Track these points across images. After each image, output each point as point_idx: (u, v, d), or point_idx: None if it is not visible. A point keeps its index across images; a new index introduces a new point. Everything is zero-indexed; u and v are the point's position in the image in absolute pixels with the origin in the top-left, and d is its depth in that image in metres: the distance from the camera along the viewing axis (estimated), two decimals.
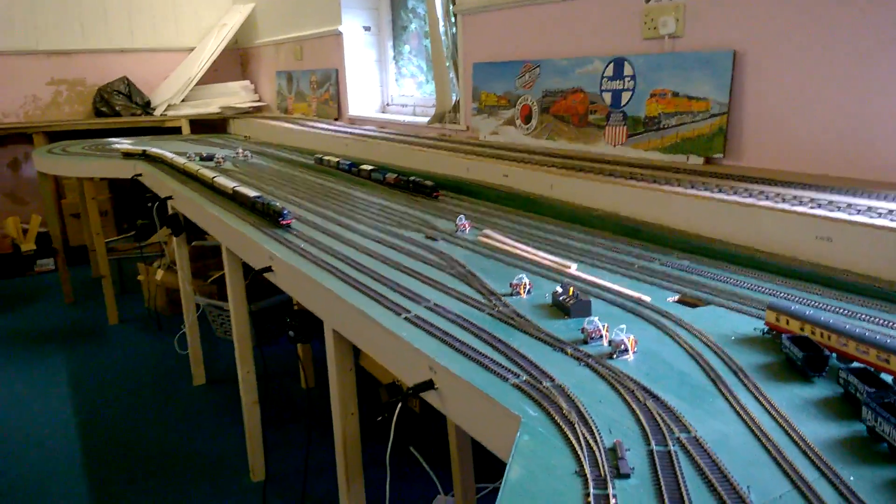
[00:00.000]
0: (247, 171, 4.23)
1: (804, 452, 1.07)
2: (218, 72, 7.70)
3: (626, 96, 3.13)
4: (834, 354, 1.34)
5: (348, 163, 4.03)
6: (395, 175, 3.52)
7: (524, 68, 3.76)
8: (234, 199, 3.20)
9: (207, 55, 7.40)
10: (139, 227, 7.35)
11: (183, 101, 7.33)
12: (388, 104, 5.83)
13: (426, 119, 4.87)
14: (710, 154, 2.77)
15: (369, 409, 2.26)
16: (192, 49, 7.79)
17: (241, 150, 4.96)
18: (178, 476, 3.60)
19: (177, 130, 7.15)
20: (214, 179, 3.50)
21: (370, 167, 3.75)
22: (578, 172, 2.79)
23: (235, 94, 7.64)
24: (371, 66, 5.83)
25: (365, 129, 5.08)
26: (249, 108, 7.49)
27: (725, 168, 2.71)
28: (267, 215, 2.81)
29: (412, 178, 3.36)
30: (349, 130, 5.02)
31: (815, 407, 1.21)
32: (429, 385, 1.51)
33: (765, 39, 2.59)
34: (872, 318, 1.54)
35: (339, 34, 5.75)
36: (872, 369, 1.24)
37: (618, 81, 3.17)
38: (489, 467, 3.13)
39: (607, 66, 3.22)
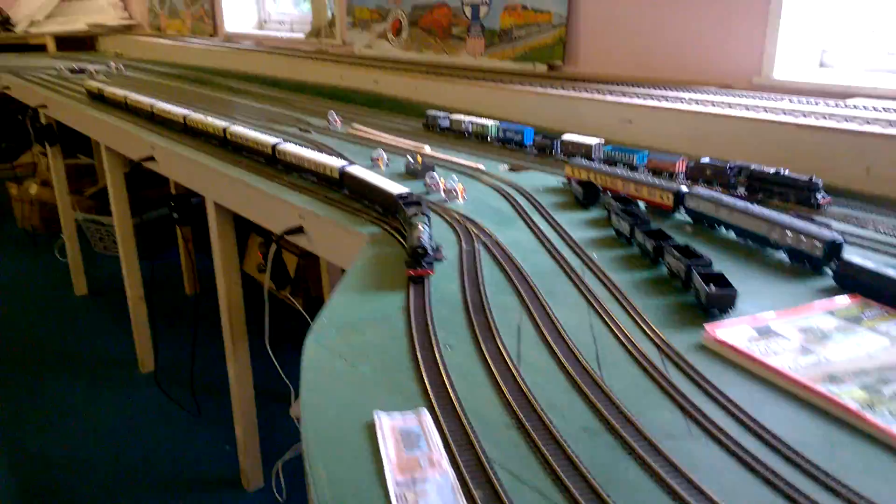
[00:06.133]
0: (124, 83, 4.25)
1: (570, 246, 1.48)
2: None
3: (483, 10, 3.46)
4: (609, 192, 1.76)
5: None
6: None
7: None
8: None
9: None
10: (4, 148, 7.07)
11: (47, 17, 6.98)
12: (265, 21, 5.87)
13: (303, 35, 5.00)
14: (552, 61, 3.16)
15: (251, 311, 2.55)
16: None
17: (113, 64, 4.93)
18: (67, 374, 3.75)
19: (41, 48, 6.84)
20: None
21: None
22: (439, 77, 3.11)
23: (104, 11, 7.34)
24: None
25: (242, 45, 5.15)
26: (119, 25, 7.24)
27: (564, 73, 3.12)
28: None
29: None
30: (226, 45, 5.07)
31: (585, 223, 1.63)
32: (299, 230, 1.83)
33: None
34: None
35: None
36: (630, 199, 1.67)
37: None
38: None
39: None
